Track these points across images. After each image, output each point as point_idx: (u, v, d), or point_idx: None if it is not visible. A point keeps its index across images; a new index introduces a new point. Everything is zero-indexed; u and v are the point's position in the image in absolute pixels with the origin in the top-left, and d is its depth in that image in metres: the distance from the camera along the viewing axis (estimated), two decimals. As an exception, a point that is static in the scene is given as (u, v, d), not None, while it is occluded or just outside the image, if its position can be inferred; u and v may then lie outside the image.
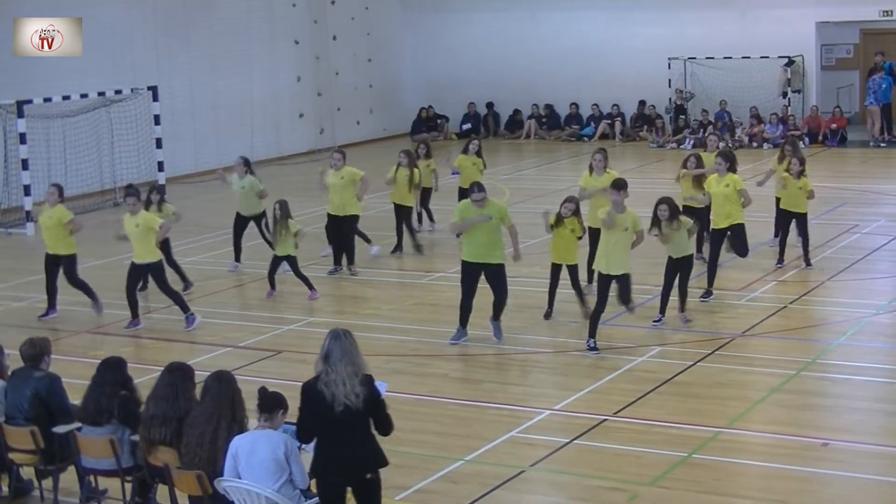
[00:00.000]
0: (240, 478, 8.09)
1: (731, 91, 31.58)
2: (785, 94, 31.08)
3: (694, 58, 31.92)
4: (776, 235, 17.43)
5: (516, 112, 34.03)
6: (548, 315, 14.85)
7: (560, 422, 11.52)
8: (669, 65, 31.95)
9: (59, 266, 15.73)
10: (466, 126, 34.11)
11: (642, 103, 32.36)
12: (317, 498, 8.28)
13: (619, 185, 13.55)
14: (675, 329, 14.09)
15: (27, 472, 9.98)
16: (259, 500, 8.00)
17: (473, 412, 11.88)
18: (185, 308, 15.13)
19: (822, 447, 10.64)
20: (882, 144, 29.37)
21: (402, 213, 18.86)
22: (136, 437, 9.02)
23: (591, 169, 16.00)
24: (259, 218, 17.86)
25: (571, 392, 12.29)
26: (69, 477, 9.85)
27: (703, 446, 10.70)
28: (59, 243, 15.62)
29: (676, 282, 14.23)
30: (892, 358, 13.43)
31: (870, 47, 31.58)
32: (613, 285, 13.51)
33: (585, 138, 32.66)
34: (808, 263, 16.86)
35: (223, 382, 8.47)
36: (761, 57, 30.91)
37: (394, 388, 12.56)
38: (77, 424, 9.39)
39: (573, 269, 14.70)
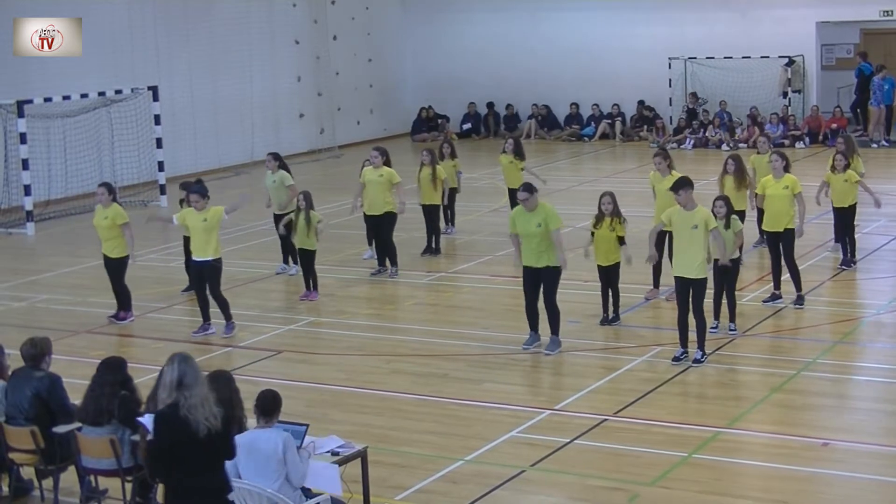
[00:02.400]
0: (239, 477, 8.09)
1: (732, 91, 31.58)
2: (785, 94, 31.08)
3: (694, 58, 31.92)
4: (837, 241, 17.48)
5: (509, 107, 33.97)
6: (604, 321, 14.51)
7: (560, 422, 11.51)
8: (669, 65, 31.95)
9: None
10: (467, 126, 34.11)
11: (641, 103, 32.36)
12: (317, 498, 8.30)
13: (676, 187, 12.99)
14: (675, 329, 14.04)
15: (27, 472, 9.99)
16: (259, 499, 8.00)
17: (473, 412, 11.88)
18: (228, 315, 14.86)
19: (822, 447, 10.64)
20: (885, 144, 29.35)
21: (429, 212, 18.78)
22: (136, 437, 9.03)
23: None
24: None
25: (571, 392, 12.29)
26: (69, 477, 9.86)
27: (704, 446, 10.69)
28: (109, 244, 15.32)
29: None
30: (892, 358, 13.42)
31: (870, 47, 31.58)
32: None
33: (586, 138, 32.66)
34: (849, 264, 16.83)
35: (221, 382, 8.45)
36: (761, 57, 30.92)
37: (394, 388, 12.64)
38: (77, 424, 9.40)
39: (615, 272, 14.40)
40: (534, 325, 13.73)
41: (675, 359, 12.95)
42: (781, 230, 14.94)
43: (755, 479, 10.24)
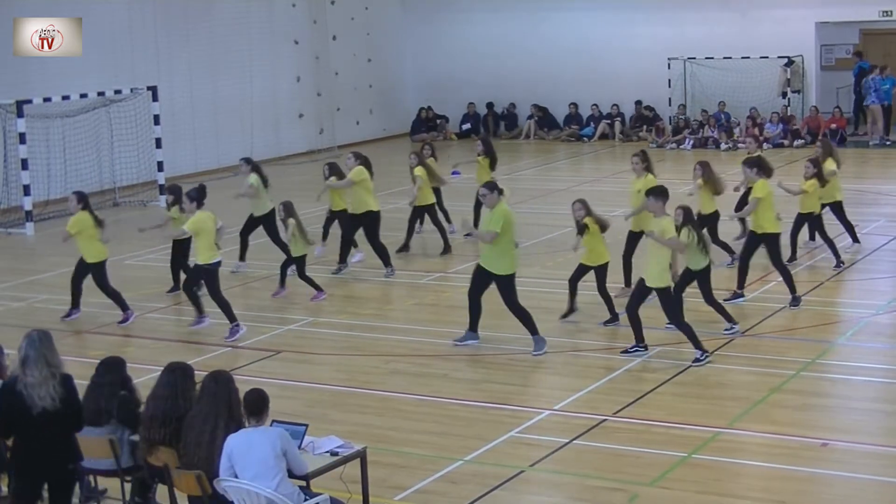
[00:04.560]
0: (236, 477, 8.09)
1: (731, 91, 31.57)
2: (784, 95, 31.08)
3: (694, 58, 31.92)
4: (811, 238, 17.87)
5: (511, 106, 34.00)
6: (564, 315, 14.63)
7: (560, 422, 11.52)
8: (669, 65, 31.95)
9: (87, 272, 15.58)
10: (466, 126, 34.11)
11: (638, 103, 32.35)
12: (317, 497, 8.30)
13: (648, 192, 13.24)
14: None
15: (27, 472, 9.96)
16: (258, 499, 8.00)
17: (473, 412, 11.88)
18: (232, 317, 14.82)
19: (822, 447, 10.65)
20: (886, 143, 29.33)
21: (416, 213, 18.94)
22: (135, 438, 9.02)
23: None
24: (268, 219, 17.66)
25: (571, 392, 12.29)
26: (69, 477, 9.84)
27: (703, 446, 10.70)
28: (84, 250, 15.42)
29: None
30: (892, 358, 13.44)
31: (869, 48, 31.60)
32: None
33: (585, 138, 32.66)
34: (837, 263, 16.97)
35: (220, 382, 8.46)
36: (761, 57, 30.92)
37: (394, 388, 12.64)
38: (76, 424, 9.38)
39: (602, 272, 14.43)
40: (474, 322, 13.84)
41: (624, 351, 13.31)
42: (761, 234, 15.01)
43: (755, 479, 10.24)
